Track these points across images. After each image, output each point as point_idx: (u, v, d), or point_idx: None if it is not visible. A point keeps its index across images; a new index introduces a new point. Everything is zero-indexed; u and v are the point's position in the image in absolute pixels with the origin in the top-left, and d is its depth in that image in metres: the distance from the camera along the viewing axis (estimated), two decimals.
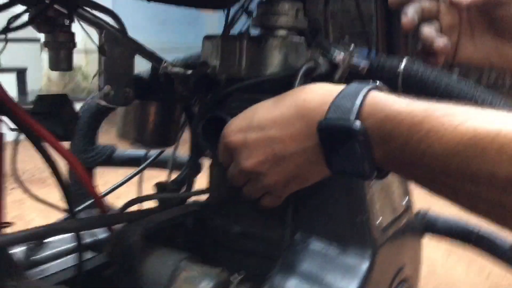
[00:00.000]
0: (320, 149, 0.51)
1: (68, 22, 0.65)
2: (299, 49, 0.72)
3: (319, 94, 0.53)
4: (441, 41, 0.72)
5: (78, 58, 6.04)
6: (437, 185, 0.46)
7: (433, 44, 0.73)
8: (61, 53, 0.68)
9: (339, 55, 0.68)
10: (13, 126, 0.59)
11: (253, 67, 0.73)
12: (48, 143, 0.58)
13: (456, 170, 0.42)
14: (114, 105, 0.68)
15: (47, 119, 0.59)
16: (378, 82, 0.53)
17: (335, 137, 0.49)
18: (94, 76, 0.71)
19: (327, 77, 0.69)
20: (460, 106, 0.45)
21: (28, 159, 0.62)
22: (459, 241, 0.96)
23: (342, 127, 0.48)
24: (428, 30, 0.72)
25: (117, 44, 0.65)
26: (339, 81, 0.70)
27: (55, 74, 5.75)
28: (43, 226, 0.52)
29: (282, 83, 0.70)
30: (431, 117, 0.43)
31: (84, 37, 0.70)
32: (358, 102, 0.48)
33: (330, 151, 0.51)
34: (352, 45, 0.71)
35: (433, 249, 2.12)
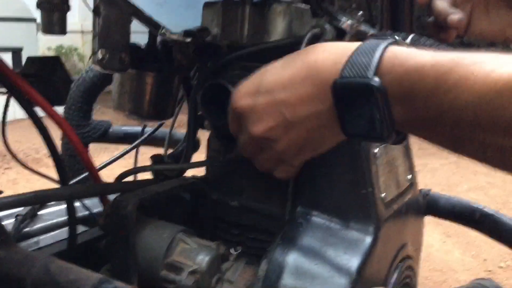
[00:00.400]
0: (334, 111, 0.48)
1: None
2: (304, 16, 0.69)
3: (332, 53, 0.49)
4: (456, 16, 0.69)
5: (74, 39, 5.99)
6: (464, 142, 0.42)
7: (447, 19, 0.70)
8: (54, 15, 0.64)
9: (347, 22, 0.64)
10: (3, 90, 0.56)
11: (255, 34, 0.70)
12: (39, 106, 0.55)
13: (488, 120, 0.39)
14: (108, 71, 0.64)
15: (38, 81, 0.56)
16: (397, 36, 0.50)
17: (351, 96, 0.45)
18: (91, 57, 0.67)
19: None
20: (489, 54, 0.41)
21: (24, 139, 0.59)
22: (462, 221, 0.94)
23: (359, 85, 0.44)
24: (442, 4, 0.68)
25: (113, 5, 0.62)
26: None
27: (51, 54, 5.70)
28: (32, 192, 0.49)
29: (286, 51, 0.67)
30: (459, 66, 0.40)
31: (81, 17, 0.67)
32: (376, 57, 0.45)
33: (345, 113, 0.47)
34: (360, 12, 0.68)
35: (429, 234, 2.11)
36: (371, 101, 0.44)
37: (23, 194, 0.48)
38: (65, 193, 0.53)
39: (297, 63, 0.52)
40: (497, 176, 3.54)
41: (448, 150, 0.45)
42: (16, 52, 5.07)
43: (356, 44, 0.48)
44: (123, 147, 1.22)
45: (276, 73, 0.53)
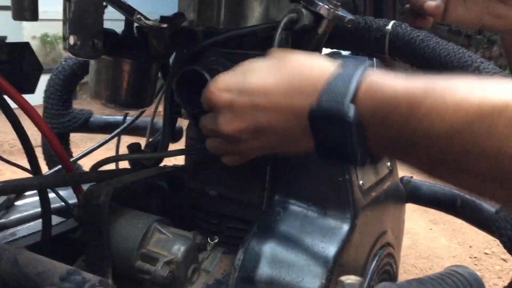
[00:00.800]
0: (309, 132, 0.48)
1: None
2: (282, 1, 0.68)
3: (313, 74, 0.49)
4: (432, 3, 0.68)
5: (60, 27, 5.90)
6: (438, 168, 0.43)
7: (424, 5, 0.69)
8: (25, 1, 0.62)
9: (324, 6, 0.63)
10: None
11: (232, 20, 0.69)
12: (7, 95, 0.53)
13: (460, 150, 0.39)
14: (81, 57, 0.63)
15: (7, 69, 0.55)
16: (373, 59, 0.49)
17: (327, 124, 0.46)
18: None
19: (311, 30, 0.65)
20: (461, 77, 0.41)
21: (10, 130, 0.57)
22: (443, 208, 0.94)
23: (336, 114, 0.44)
24: None
25: None
26: (323, 34, 0.66)
27: (35, 44, 5.60)
28: (3, 182, 0.48)
29: (263, 37, 0.66)
30: (431, 94, 0.40)
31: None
32: (352, 86, 0.45)
33: (320, 137, 0.47)
34: None
35: (416, 221, 2.12)
36: (346, 130, 0.44)
37: None
38: (36, 182, 0.52)
39: (283, 72, 0.51)
40: None
41: (424, 174, 0.45)
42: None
43: (332, 66, 0.48)
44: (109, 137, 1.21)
45: (261, 77, 0.52)
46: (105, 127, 1.20)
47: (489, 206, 0.86)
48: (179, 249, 0.57)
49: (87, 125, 1.18)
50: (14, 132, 0.56)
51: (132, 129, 1.07)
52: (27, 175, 0.63)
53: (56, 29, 6.00)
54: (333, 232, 0.58)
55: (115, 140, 1.10)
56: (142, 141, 1.03)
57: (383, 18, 1.24)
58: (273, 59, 0.53)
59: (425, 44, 0.93)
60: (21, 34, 5.31)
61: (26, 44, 0.57)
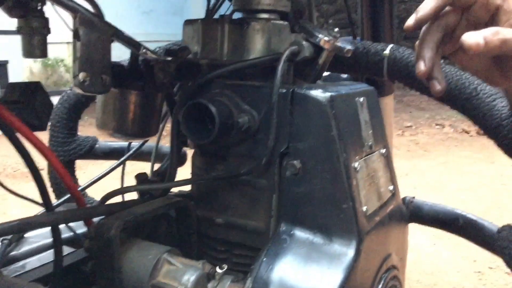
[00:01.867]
0: None
1: (40, 5, 0.62)
2: (283, 32, 0.70)
3: None
4: (437, 87, 0.58)
5: (60, 50, 5.96)
6: None
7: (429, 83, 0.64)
8: (34, 39, 0.65)
9: (323, 38, 0.66)
10: None
11: (235, 52, 0.71)
12: (20, 133, 0.55)
13: None
14: (90, 93, 0.65)
15: (19, 108, 0.57)
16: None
17: None
18: (75, 76, 0.67)
19: (312, 61, 0.68)
20: None
21: (12, 153, 0.59)
22: (446, 227, 0.95)
23: None
24: (428, 54, 0.57)
25: (92, 28, 0.62)
26: (324, 65, 0.68)
27: (37, 66, 5.66)
28: (17, 220, 0.50)
29: (267, 68, 0.68)
30: None
31: (66, 29, 0.67)
32: None
33: None
34: (337, 29, 0.69)
35: (419, 237, 2.12)
36: None
37: (7, 223, 0.48)
38: (49, 220, 0.53)
39: None
40: (485, 176, 3.57)
41: None
42: (1, 66, 5.05)
43: None
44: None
45: None
46: (110, 154, 1.22)
47: (491, 225, 0.87)
48: (188, 279, 0.58)
49: (92, 152, 1.20)
50: (16, 156, 0.58)
51: (137, 155, 1.09)
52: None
53: (57, 52, 6.07)
54: (339, 258, 0.59)
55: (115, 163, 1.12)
56: (147, 166, 1.05)
57: (381, 41, 1.27)
58: None
59: None
60: (22, 58, 5.37)
61: (38, 84, 0.60)
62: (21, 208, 3.12)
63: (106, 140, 1.26)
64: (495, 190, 3.29)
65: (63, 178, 0.56)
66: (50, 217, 0.54)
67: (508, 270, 1.95)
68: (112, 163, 1.07)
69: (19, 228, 0.50)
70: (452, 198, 3.04)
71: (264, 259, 0.60)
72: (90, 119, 2.90)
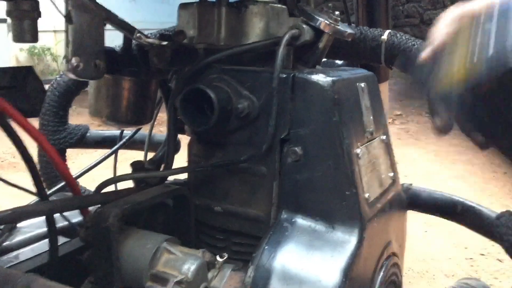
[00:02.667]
0: None
1: None
2: (281, 16, 0.69)
3: None
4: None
5: (47, 39, 5.86)
6: None
7: None
8: (24, 23, 0.62)
9: (324, 21, 0.64)
10: None
11: (232, 36, 0.69)
12: (13, 120, 0.53)
13: None
14: (83, 79, 0.63)
15: (11, 93, 0.54)
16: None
17: None
18: (64, 57, 0.65)
19: (312, 45, 0.66)
20: None
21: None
22: (444, 214, 0.94)
23: None
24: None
25: (85, 11, 0.60)
26: (324, 49, 0.67)
27: (23, 55, 5.56)
28: (11, 209, 0.48)
29: (265, 52, 0.67)
30: None
31: (53, 16, 0.65)
32: None
33: None
34: (337, 12, 0.67)
35: (411, 224, 2.13)
36: None
37: (1, 212, 0.46)
38: (44, 208, 0.52)
39: None
40: (476, 164, 3.60)
41: None
42: None
43: None
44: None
45: None
46: (102, 142, 1.20)
47: (490, 212, 0.87)
48: (189, 268, 0.57)
49: (83, 141, 1.18)
50: (4, 146, 0.56)
51: (129, 143, 1.07)
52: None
53: (44, 40, 5.96)
54: (342, 246, 0.58)
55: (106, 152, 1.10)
56: (136, 154, 1.03)
57: (377, 27, 1.26)
58: None
59: (420, 52, 0.94)
60: (9, 46, 5.28)
61: (30, 68, 0.57)
62: (10, 198, 3.08)
63: (98, 130, 1.24)
64: (485, 178, 3.32)
65: (58, 166, 0.54)
66: (46, 206, 0.52)
67: (499, 256, 1.95)
68: (103, 151, 1.05)
69: (14, 217, 0.48)
70: (444, 187, 3.06)
71: (266, 247, 0.59)
72: (78, 108, 2.86)
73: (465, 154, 3.73)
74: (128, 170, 0.73)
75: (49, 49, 5.68)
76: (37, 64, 5.62)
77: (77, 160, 2.99)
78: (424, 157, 3.72)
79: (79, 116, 1.24)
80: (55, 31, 5.38)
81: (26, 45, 5.54)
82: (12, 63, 5.49)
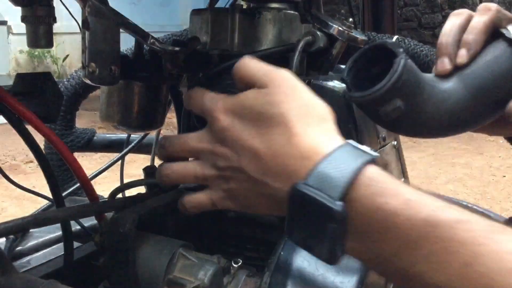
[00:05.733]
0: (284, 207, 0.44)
1: None
2: (294, 22, 0.69)
3: (309, 145, 0.45)
4: None
5: None
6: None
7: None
8: (40, 29, 0.63)
9: (338, 28, 0.64)
10: None
11: (246, 42, 0.69)
12: (32, 125, 0.53)
13: None
14: (99, 84, 0.63)
15: (29, 99, 0.55)
16: (377, 154, 0.44)
17: (307, 209, 0.41)
18: (64, 59, 0.65)
19: (325, 51, 0.66)
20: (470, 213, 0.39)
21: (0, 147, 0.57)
22: None
23: (320, 203, 0.40)
24: None
25: (102, 17, 0.61)
26: (337, 55, 0.67)
27: (23, 57, 5.56)
28: (30, 216, 0.48)
29: (278, 59, 0.67)
30: (433, 235, 0.38)
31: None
32: (348, 177, 0.40)
33: (294, 219, 0.43)
34: (350, 19, 0.68)
35: None
36: (326, 225, 0.40)
37: (21, 218, 0.46)
38: (64, 215, 0.52)
39: (277, 137, 0.46)
40: (475, 167, 3.61)
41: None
42: None
43: (335, 141, 0.45)
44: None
45: (252, 133, 0.47)
46: (109, 146, 1.20)
47: (497, 217, 0.87)
48: (205, 274, 0.57)
49: (90, 144, 1.18)
50: (4, 148, 0.56)
51: (137, 147, 1.08)
52: (20, 192, 0.62)
53: None
54: None
55: (111, 156, 1.10)
56: (138, 157, 1.03)
57: (383, 31, 1.26)
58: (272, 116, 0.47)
59: (429, 58, 0.95)
60: (9, 48, 5.28)
61: (48, 74, 0.58)
62: (10, 201, 3.09)
63: (104, 133, 1.24)
64: (484, 181, 3.33)
65: (76, 171, 0.54)
66: (65, 212, 0.53)
67: None
68: (103, 154, 1.05)
69: (35, 223, 0.48)
70: (443, 190, 3.07)
71: (282, 253, 0.59)
72: (81, 111, 2.87)
73: (464, 157, 3.75)
74: (130, 173, 0.73)
75: (49, 51, 5.68)
76: (37, 66, 5.62)
77: (80, 162, 2.98)
78: (423, 160, 3.74)
79: (80, 118, 1.25)
80: (55, 33, 5.38)
81: (26, 47, 5.55)
82: (12, 65, 5.49)
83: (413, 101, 0.52)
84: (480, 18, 0.54)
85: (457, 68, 0.54)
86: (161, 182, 0.56)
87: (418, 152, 3.78)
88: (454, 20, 0.56)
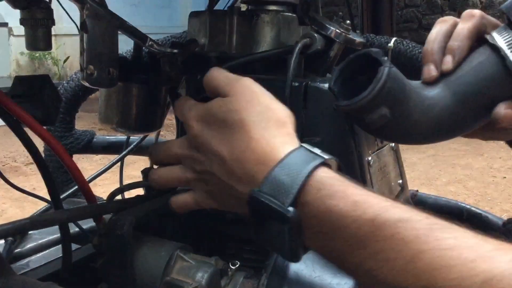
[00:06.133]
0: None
1: None
2: (291, 25, 0.69)
3: (268, 150, 0.48)
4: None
5: None
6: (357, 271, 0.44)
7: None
8: (39, 31, 0.63)
9: (335, 30, 0.65)
10: None
11: (244, 44, 0.70)
12: (30, 128, 0.53)
13: None
14: (98, 87, 0.63)
15: (27, 102, 0.55)
16: (329, 156, 0.47)
17: (264, 214, 0.45)
18: (65, 61, 0.66)
19: (323, 53, 0.67)
20: (416, 214, 0.41)
21: (0, 147, 0.57)
22: (450, 221, 0.95)
23: (274, 209, 0.44)
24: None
25: (100, 20, 0.61)
26: (335, 57, 0.68)
27: (24, 59, 5.56)
28: (28, 218, 0.48)
29: (276, 61, 0.67)
30: (378, 235, 0.40)
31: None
32: (299, 182, 0.43)
33: (256, 223, 0.47)
34: (348, 21, 0.68)
35: None
36: (282, 227, 0.44)
37: (19, 221, 0.46)
38: (62, 217, 0.52)
39: (240, 143, 0.49)
40: (475, 169, 3.61)
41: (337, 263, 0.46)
42: None
43: (290, 145, 0.48)
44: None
45: (222, 138, 0.51)
46: (108, 148, 1.20)
47: (496, 218, 0.87)
48: (202, 276, 0.57)
49: (90, 146, 1.18)
50: (5, 150, 0.57)
51: (136, 149, 1.08)
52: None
53: None
54: None
55: (110, 158, 1.10)
56: (146, 161, 1.03)
57: (382, 32, 1.26)
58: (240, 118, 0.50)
59: None
60: (9, 50, 5.28)
61: (46, 77, 0.58)
62: (11, 203, 3.09)
63: (103, 135, 1.24)
64: (484, 182, 3.33)
65: (74, 174, 0.54)
66: (63, 215, 0.53)
67: None
68: (103, 156, 1.06)
69: (31, 226, 0.48)
70: (443, 191, 3.07)
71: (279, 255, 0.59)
72: (80, 112, 2.87)
73: (464, 159, 3.75)
74: (130, 174, 0.73)
75: (49, 53, 5.69)
76: (38, 68, 5.63)
77: (78, 164, 2.99)
78: (424, 162, 3.74)
79: (79, 120, 1.25)
80: (55, 35, 5.39)
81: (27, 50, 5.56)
82: (12, 67, 5.50)
83: (399, 109, 0.52)
84: (464, 24, 0.55)
85: (443, 75, 0.54)
86: (151, 185, 0.61)
87: (418, 153, 3.78)
88: (439, 27, 0.57)
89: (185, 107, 0.57)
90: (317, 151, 0.47)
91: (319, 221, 0.43)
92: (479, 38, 0.55)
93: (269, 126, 0.49)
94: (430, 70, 0.55)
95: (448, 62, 0.54)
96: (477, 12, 0.55)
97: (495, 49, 0.52)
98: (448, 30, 0.56)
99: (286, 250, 0.45)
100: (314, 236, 0.45)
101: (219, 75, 0.55)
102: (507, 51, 0.51)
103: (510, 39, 0.51)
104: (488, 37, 0.53)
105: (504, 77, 0.51)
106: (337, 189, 0.43)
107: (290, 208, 0.43)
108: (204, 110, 0.54)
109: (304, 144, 0.48)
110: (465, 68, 0.54)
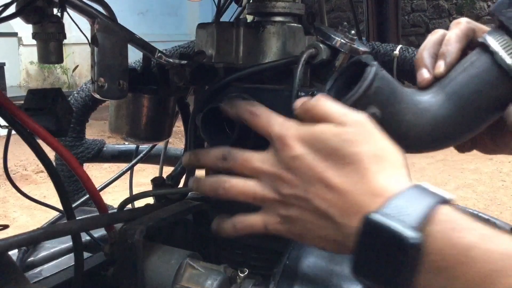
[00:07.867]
0: (351, 242, 0.44)
1: (59, 11, 0.61)
2: (297, 35, 0.71)
3: (386, 180, 0.45)
4: None
5: None
6: None
7: None
8: (50, 45, 0.65)
9: (340, 41, 0.66)
10: (3, 123, 0.56)
11: (250, 55, 0.71)
12: (43, 140, 0.55)
13: None
14: (109, 99, 0.65)
15: (40, 114, 0.57)
16: (451, 196, 0.44)
17: (379, 239, 0.41)
18: (74, 70, 0.67)
19: (328, 63, 0.68)
20: None
21: (11, 156, 0.59)
22: None
23: (394, 232, 0.40)
24: None
25: (110, 34, 0.62)
26: (339, 67, 0.69)
27: (33, 68, 5.63)
28: (41, 228, 0.50)
29: (282, 71, 0.68)
30: (510, 269, 0.38)
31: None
32: (423, 211, 0.41)
33: (362, 254, 0.43)
34: (353, 31, 0.69)
35: None
36: (399, 255, 0.40)
37: (33, 231, 0.48)
38: (75, 227, 0.53)
39: (353, 174, 0.47)
40: (484, 173, 3.59)
41: None
42: None
43: (404, 182, 0.46)
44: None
45: (330, 164, 0.48)
46: (118, 157, 1.22)
47: (504, 224, 0.87)
48: (212, 284, 0.58)
49: (100, 155, 1.20)
50: (15, 158, 0.58)
51: (145, 158, 1.09)
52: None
53: None
54: None
55: (119, 165, 1.12)
56: (155, 168, 1.05)
57: (388, 38, 1.27)
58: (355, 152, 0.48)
59: None
60: (19, 59, 5.35)
61: (58, 90, 0.59)
62: (22, 211, 3.12)
63: (113, 144, 1.26)
64: (494, 187, 3.30)
65: (86, 184, 0.56)
66: (76, 224, 0.54)
67: None
68: (113, 164, 1.07)
69: (45, 236, 0.50)
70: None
71: (287, 262, 0.60)
72: (90, 120, 2.90)
73: (473, 163, 3.73)
74: (139, 181, 0.75)
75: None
76: (47, 77, 5.68)
77: (87, 172, 3.01)
78: (433, 166, 3.72)
79: (89, 128, 1.27)
80: (64, 44, 5.45)
81: (36, 58, 5.62)
82: (22, 76, 5.56)
83: (391, 110, 0.53)
84: (452, 31, 0.57)
85: (437, 80, 0.56)
86: (214, 194, 0.56)
87: (427, 158, 3.77)
88: (430, 37, 0.59)
89: (276, 122, 0.53)
90: (438, 190, 0.45)
91: (442, 256, 0.40)
92: (470, 44, 0.57)
93: (385, 166, 0.47)
94: (423, 74, 0.56)
95: (440, 66, 0.56)
96: (463, 19, 0.58)
97: (485, 47, 0.53)
98: (438, 39, 0.58)
99: (393, 285, 0.41)
100: (431, 273, 0.41)
101: (332, 103, 0.51)
102: (497, 48, 0.52)
103: (500, 38, 0.53)
104: (479, 39, 0.55)
105: (496, 74, 0.52)
106: (462, 222, 0.41)
107: (414, 232, 0.40)
108: (311, 133, 0.50)
109: (423, 183, 0.46)
110: (458, 70, 0.55)
